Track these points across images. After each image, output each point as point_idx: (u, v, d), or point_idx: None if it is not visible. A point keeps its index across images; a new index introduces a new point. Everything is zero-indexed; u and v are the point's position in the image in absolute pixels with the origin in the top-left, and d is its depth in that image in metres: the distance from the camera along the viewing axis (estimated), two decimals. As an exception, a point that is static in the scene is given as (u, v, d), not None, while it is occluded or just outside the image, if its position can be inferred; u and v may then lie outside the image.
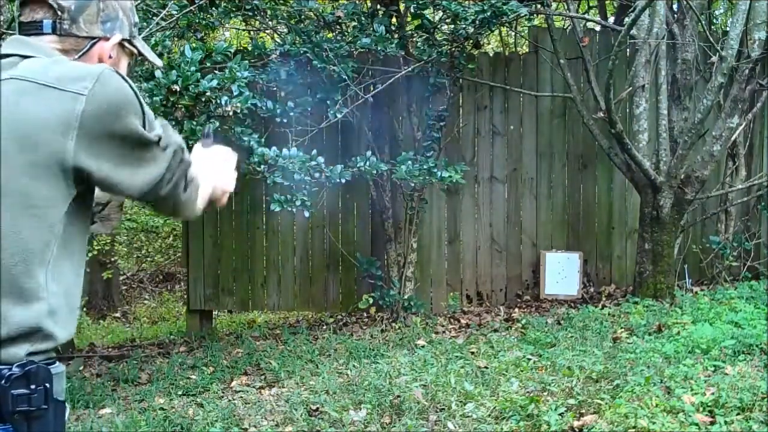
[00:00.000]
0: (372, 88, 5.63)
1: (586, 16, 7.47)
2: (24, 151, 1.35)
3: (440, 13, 6.01)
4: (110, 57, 1.57)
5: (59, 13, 1.51)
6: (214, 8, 5.15)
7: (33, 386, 1.35)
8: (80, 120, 1.37)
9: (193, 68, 4.31)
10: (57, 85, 1.38)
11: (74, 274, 1.46)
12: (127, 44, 1.62)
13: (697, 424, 3.26)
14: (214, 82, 4.37)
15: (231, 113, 4.54)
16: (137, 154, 1.44)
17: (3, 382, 1.33)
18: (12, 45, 1.49)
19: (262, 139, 5.11)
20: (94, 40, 1.55)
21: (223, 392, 4.45)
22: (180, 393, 4.49)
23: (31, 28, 1.51)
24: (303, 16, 5.50)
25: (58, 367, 1.42)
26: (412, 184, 5.78)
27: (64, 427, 1.44)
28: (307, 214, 5.23)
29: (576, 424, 3.37)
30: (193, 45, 4.70)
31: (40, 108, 1.36)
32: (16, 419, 1.34)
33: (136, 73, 4.80)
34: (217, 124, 4.63)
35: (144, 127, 1.45)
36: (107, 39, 1.57)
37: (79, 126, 1.37)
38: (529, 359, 4.46)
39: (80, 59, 1.53)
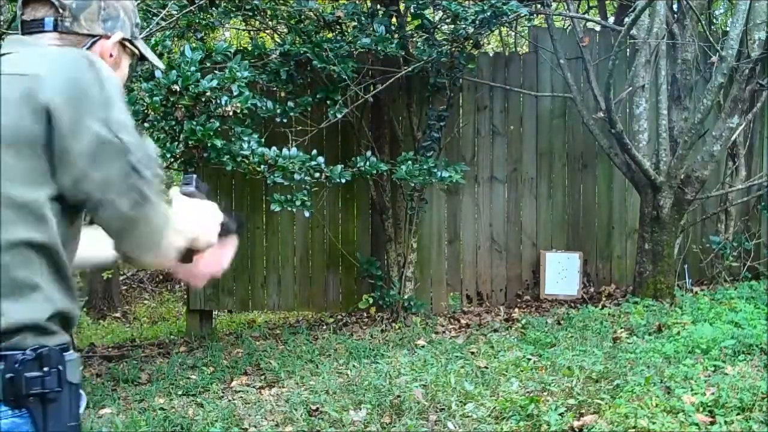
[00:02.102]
0: (372, 88, 5.63)
1: (586, 16, 7.47)
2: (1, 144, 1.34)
3: (440, 13, 6.01)
4: (111, 56, 1.57)
5: (60, 10, 1.51)
6: (214, 8, 5.15)
7: (46, 368, 1.36)
8: (41, 102, 1.33)
9: (193, 68, 4.32)
10: (22, 72, 1.37)
11: (70, 257, 1.45)
12: (128, 44, 1.63)
13: (697, 424, 3.26)
14: (214, 82, 4.38)
15: (231, 113, 4.54)
16: (93, 145, 1.36)
17: (16, 365, 1.34)
18: (10, 45, 1.50)
19: (262, 139, 5.11)
20: (95, 38, 1.56)
21: (223, 392, 4.45)
22: (180, 393, 4.49)
23: (33, 27, 1.52)
24: (303, 16, 5.50)
25: (71, 354, 1.42)
26: (412, 184, 5.78)
27: (79, 410, 1.44)
28: (307, 214, 5.23)
29: (576, 424, 3.37)
30: (193, 45, 4.71)
31: (6, 91, 1.35)
32: (31, 402, 1.35)
33: (136, 73, 4.80)
34: (216, 125, 4.63)
35: (111, 114, 1.38)
36: (108, 37, 1.57)
37: (42, 109, 1.33)
38: (529, 359, 4.46)
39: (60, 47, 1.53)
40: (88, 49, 1.54)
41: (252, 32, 7.07)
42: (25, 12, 1.54)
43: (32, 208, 1.37)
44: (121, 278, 10.52)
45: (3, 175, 1.35)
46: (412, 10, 5.47)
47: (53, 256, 1.40)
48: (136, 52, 1.66)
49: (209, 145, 4.65)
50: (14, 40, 1.52)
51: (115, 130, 1.37)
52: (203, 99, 4.42)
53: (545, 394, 3.75)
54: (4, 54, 1.47)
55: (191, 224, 1.52)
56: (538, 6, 6.07)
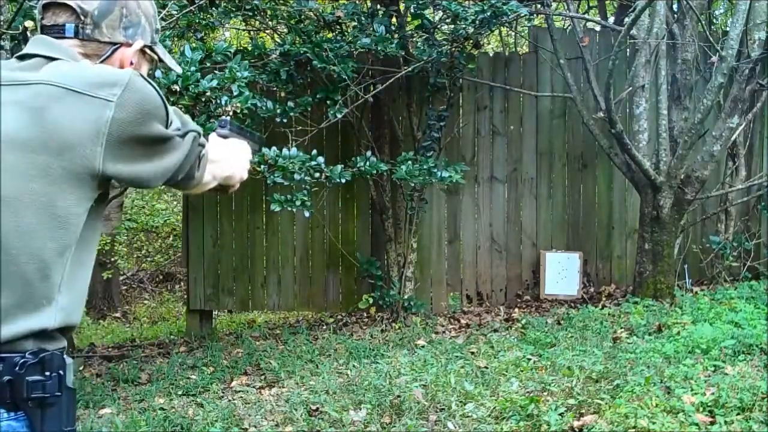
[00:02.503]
0: (372, 88, 5.63)
1: (586, 16, 7.47)
2: (52, 157, 1.36)
3: (440, 13, 6.01)
4: (131, 63, 1.58)
5: (82, 17, 1.51)
6: (214, 8, 5.14)
7: (47, 373, 1.37)
8: (109, 127, 1.38)
9: (193, 68, 4.31)
10: (86, 91, 1.39)
11: (88, 269, 1.49)
12: (148, 50, 1.63)
13: (697, 424, 3.26)
14: (214, 82, 4.37)
15: (231, 113, 4.54)
16: (159, 149, 1.47)
17: (17, 368, 1.34)
18: (36, 45, 1.50)
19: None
20: (116, 46, 1.56)
21: (223, 392, 4.45)
22: (180, 393, 4.49)
23: (54, 32, 1.52)
24: (303, 16, 5.50)
25: (68, 359, 1.43)
26: (412, 184, 5.78)
27: (75, 414, 1.45)
28: (307, 214, 5.23)
29: (576, 424, 3.37)
30: (193, 45, 4.70)
31: (69, 115, 1.37)
32: (30, 406, 1.35)
33: (136, 73, 4.80)
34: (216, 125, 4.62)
35: (167, 125, 1.47)
36: (129, 45, 1.58)
37: (108, 133, 1.38)
38: (529, 359, 4.46)
39: (101, 64, 1.54)
40: (108, 56, 1.55)
41: (252, 32, 7.07)
42: (46, 16, 1.53)
43: (67, 220, 1.39)
44: (121, 278, 10.52)
45: (43, 194, 1.37)
46: (412, 10, 5.47)
47: (74, 263, 1.42)
48: (155, 57, 1.66)
49: (209, 145, 4.63)
50: (41, 41, 1.51)
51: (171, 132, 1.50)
52: (203, 99, 4.42)
53: (545, 394, 3.75)
54: (36, 55, 1.47)
55: (224, 168, 1.71)
56: (538, 6, 6.07)
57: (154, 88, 1.45)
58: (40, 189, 1.36)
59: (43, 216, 1.36)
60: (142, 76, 1.46)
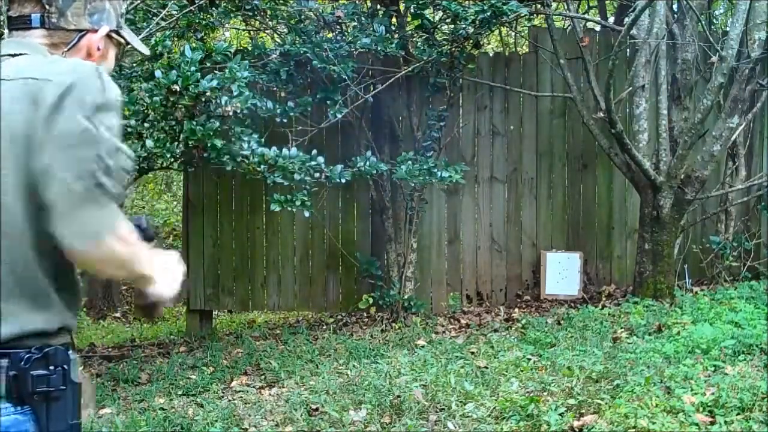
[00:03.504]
0: (372, 88, 5.63)
1: (586, 16, 7.47)
2: (19, 148, 1.37)
3: (440, 13, 6.01)
4: (98, 49, 1.59)
5: (47, 6, 1.52)
6: (214, 8, 5.15)
7: (52, 367, 1.38)
8: (46, 116, 1.38)
9: (193, 68, 4.32)
10: (39, 82, 1.40)
11: (76, 270, 1.49)
12: (114, 35, 1.64)
13: (697, 424, 3.26)
14: (214, 82, 4.38)
15: (231, 113, 4.55)
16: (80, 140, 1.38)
17: (22, 363, 1.36)
18: (9, 46, 1.51)
19: (262, 139, 5.11)
20: (82, 33, 1.57)
21: (223, 392, 4.45)
22: (180, 393, 4.49)
23: (20, 23, 1.53)
24: (303, 16, 5.50)
25: (72, 354, 1.45)
26: (412, 184, 5.78)
27: (80, 408, 1.46)
28: (307, 214, 5.23)
29: (576, 424, 3.37)
30: (193, 45, 4.71)
31: (18, 107, 1.38)
32: (36, 400, 1.37)
33: (137, 73, 4.81)
34: (216, 125, 4.62)
35: (96, 117, 1.39)
36: (95, 31, 1.58)
37: (47, 124, 1.38)
38: (529, 359, 4.46)
39: (69, 52, 1.55)
40: (75, 44, 1.55)
41: (252, 32, 7.07)
42: (12, 8, 1.54)
43: (46, 215, 1.38)
44: (121, 278, 10.51)
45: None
46: (412, 10, 5.47)
47: (63, 264, 1.41)
48: (122, 41, 1.67)
49: (209, 145, 4.65)
50: (12, 43, 1.52)
51: (96, 123, 1.38)
52: (203, 99, 4.43)
53: (545, 394, 3.75)
54: (8, 56, 1.48)
55: (144, 259, 1.47)
56: (538, 6, 6.06)
57: (104, 84, 1.43)
58: (18, 183, 1.37)
59: (25, 213, 1.37)
60: (101, 73, 1.44)
